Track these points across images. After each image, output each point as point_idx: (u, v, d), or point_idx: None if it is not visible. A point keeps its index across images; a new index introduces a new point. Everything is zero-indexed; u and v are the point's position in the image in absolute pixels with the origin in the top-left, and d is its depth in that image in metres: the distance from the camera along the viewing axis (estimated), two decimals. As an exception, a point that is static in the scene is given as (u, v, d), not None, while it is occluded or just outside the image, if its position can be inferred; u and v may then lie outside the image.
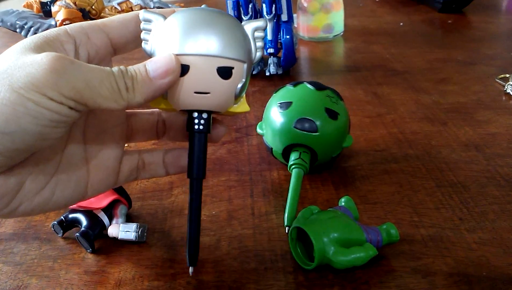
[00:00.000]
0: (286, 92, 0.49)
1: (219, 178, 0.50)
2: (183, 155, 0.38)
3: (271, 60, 0.74)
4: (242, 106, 0.36)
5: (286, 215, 0.43)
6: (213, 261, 0.39)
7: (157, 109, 0.39)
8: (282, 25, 0.71)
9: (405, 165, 0.49)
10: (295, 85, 0.49)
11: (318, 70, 0.78)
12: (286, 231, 0.42)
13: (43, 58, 0.29)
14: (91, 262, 0.40)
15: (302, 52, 0.85)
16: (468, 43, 0.82)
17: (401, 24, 0.93)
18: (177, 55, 0.31)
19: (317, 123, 0.46)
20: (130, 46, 0.36)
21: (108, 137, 0.37)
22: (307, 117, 0.46)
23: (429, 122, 0.57)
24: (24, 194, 0.31)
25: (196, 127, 0.33)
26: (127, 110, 0.39)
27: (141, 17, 0.32)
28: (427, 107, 0.61)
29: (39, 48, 0.31)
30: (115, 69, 0.31)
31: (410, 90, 0.66)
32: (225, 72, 0.32)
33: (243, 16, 0.71)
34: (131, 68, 0.31)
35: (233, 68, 0.32)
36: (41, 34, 0.32)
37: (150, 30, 0.33)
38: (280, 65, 0.74)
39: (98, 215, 0.41)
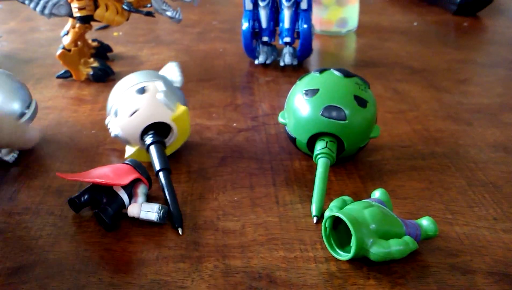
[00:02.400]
0: (312, 79, 0.47)
1: (239, 164, 0.48)
2: None
3: (286, 49, 0.71)
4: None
5: (314, 205, 0.41)
6: (239, 246, 0.37)
7: None
8: (300, 14, 0.69)
9: (433, 163, 0.48)
10: (321, 72, 0.47)
11: (333, 63, 0.76)
12: (314, 222, 0.40)
13: None
14: (111, 240, 0.38)
15: (314, 45, 0.83)
16: (487, 46, 0.81)
17: (415, 23, 0.92)
18: None
19: (346, 111, 0.44)
20: None
21: None
22: (335, 105, 0.44)
23: (453, 121, 0.55)
24: None
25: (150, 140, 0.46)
26: None
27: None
28: (450, 106, 0.59)
29: None
30: None
31: (430, 88, 0.64)
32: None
33: (260, 2, 0.69)
34: None
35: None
36: None
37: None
38: (295, 56, 0.71)
39: (118, 192, 0.39)
